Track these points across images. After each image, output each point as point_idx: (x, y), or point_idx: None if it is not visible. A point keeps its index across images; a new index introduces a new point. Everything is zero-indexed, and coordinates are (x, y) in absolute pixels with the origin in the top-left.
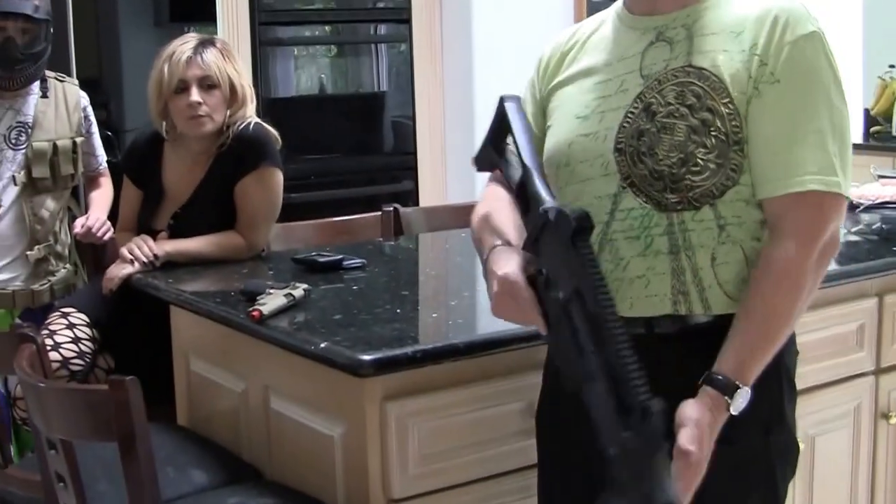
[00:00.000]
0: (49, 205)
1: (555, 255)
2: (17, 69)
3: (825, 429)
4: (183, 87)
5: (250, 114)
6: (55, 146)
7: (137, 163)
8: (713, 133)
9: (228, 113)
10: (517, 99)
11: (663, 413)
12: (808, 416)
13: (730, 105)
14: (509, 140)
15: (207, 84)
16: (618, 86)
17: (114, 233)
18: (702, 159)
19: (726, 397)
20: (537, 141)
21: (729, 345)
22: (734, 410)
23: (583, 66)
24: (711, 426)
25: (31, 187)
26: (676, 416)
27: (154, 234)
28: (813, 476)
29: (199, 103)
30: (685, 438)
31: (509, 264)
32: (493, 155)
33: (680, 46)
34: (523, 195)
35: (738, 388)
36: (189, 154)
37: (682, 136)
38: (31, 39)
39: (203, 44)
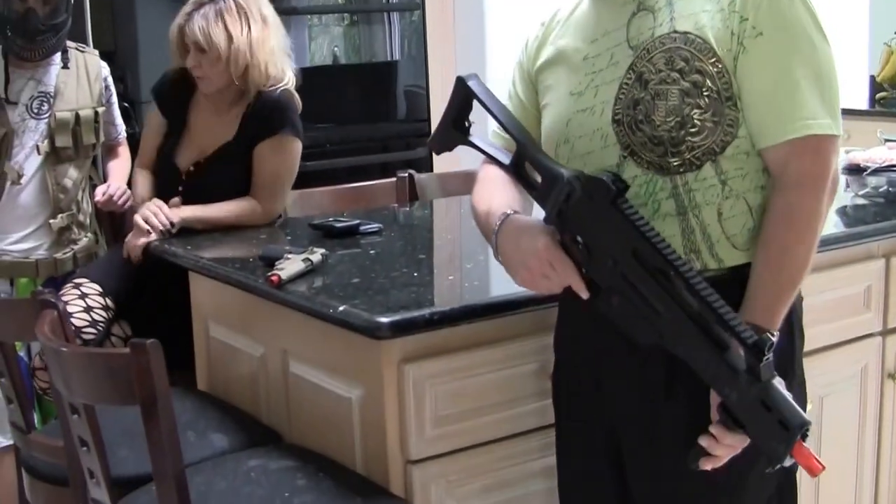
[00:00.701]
0: (71, 174)
1: (592, 222)
2: (38, 40)
3: (833, 389)
4: (186, 50)
5: (282, 77)
6: (77, 116)
7: (168, 91)
8: (705, 93)
9: (234, 74)
10: (477, 77)
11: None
12: (817, 378)
13: (717, 64)
14: (472, 119)
15: (198, 49)
16: (608, 59)
17: (133, 200)
18: (698, 119)
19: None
20: (532, 118)
21: (754, 294)
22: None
23: (569, 45)
24: None
25: (54, 156)
26: None
27: (175, 173)
28: (821, 436)
29: (195, 66)
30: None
31: (540, 237)
32: (456, 135)
33: (662, 13)
34: (521, 171)
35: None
36: (214, 101)
37: (676, 100)
38: (51, 10)
39: (200, 6)
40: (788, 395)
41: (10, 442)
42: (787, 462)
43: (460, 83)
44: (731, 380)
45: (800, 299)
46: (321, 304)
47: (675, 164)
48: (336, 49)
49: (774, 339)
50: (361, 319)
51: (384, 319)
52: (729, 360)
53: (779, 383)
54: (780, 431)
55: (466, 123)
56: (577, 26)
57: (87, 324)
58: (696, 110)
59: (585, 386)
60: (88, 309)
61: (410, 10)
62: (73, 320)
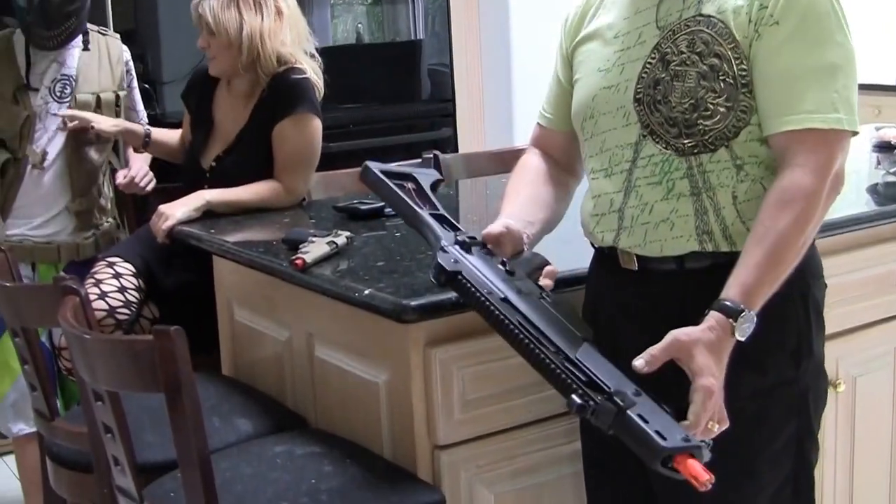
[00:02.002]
0: (92, 157)
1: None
2: (57, 28)
3: (866, 369)
4: (201, 29)
5: (293, 58)
6: (98, 98)
7: (195, 90)
8: (721, 77)
9: (241, 56)
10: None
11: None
12: (849, 357)
13: (736, 49)
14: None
15: (209, 31)
16: (636, 38)
17: (157, 183)
18: (711, 103)
19: (731, 321)
20: (565, 94)
21: (737, 270)
22: (740, 336)
23: (603, 22)
24: (715, 349)
25: (75, 140)
26: (676, 343)
27: (200, 171)
28: (855, 415)
29: (204, 47)
30: (700, 375)
31: None
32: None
33: None
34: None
35: (743, 311)
36: (233, 92)
37: (693, 83)
38: None
39: None
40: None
41: (32, 429)
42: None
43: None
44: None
45: (820, 282)
46: (346, 288)
47: (690, 145)
48: (360, 27)
49: (749, 322)
50: (387, 303)
51: (410, 303)
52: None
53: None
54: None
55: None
56: (614, 5)
57: (121, 304)
58: (710, 94)
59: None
60: (123, 289)
61: None
62: (107, 299)
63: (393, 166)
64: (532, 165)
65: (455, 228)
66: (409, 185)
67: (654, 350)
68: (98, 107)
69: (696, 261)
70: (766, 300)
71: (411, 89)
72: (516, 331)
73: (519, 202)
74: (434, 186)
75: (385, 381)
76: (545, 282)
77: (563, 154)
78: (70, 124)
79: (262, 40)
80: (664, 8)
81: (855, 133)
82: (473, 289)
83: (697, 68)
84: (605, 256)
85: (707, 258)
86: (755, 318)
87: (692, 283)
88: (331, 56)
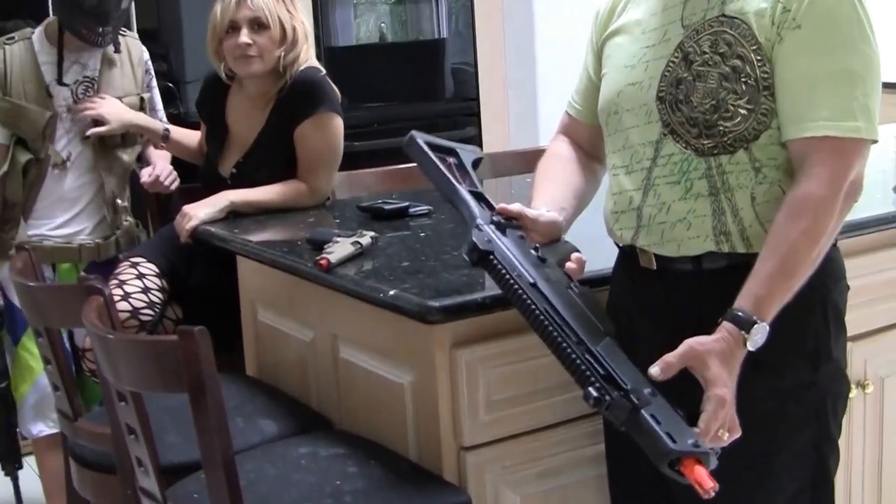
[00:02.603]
0: (118, 160)
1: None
2: (108, 26)
3: (894, 369)
4: (234, 28)
5: (306, 57)
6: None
7: (206, 100)
8: (743, 79)
9: (282, 54)
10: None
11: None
12: (877, 358)
13: (758, 51)
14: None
15: (258, 24)
16: (661, 35)
17: (180, 183)
18: (732, 105)
19: (743, 332)
20: (596, 88)
21: (750, 281)
22: (752, 346)
23: (631, 17)
24: (728, 359)
25: (101, 143)
26: (690, 352)
27: (220, 181)
28: (883, 416)
29: (249, 44)
30: (713, 385)
31: None
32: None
33: None
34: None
35: (755, 323)
36: (248, 98)
37: (715, 84)
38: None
39: None
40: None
41: (52, 431)
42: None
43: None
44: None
45: (840, 285)
46: (371, 289)
47: (709, 146)
48: (383, 26)
49: (761, 333)
50: (413, 304)
51: (436, 304)
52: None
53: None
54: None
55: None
56: (644, 1)
57: (145, 305)
58: (731, 95)
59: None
60: (146, 290)
61: None
62: (131, 300)
63: (437, 139)
64: (562, 152)
65: (491, 208)
66: (451, 160)
67: (669, 358)
68: None
69: (713, 261)
70: (783, 306)
71: (435, 88)
72: (542, 317)
73: (553, 188)
74: (475, 164)
75: (410, 382)
76: (570, 266)
77: (590, 144)
78: (88, 132)
79: (306, 36)
80: (689, 6)
81: (874, 142)
82: (504, 270)
83: (720, 69)
84: (626, 255)
85: (724, 259)
86: (767, 328)
87: (709, 284)
88: (354, 55)
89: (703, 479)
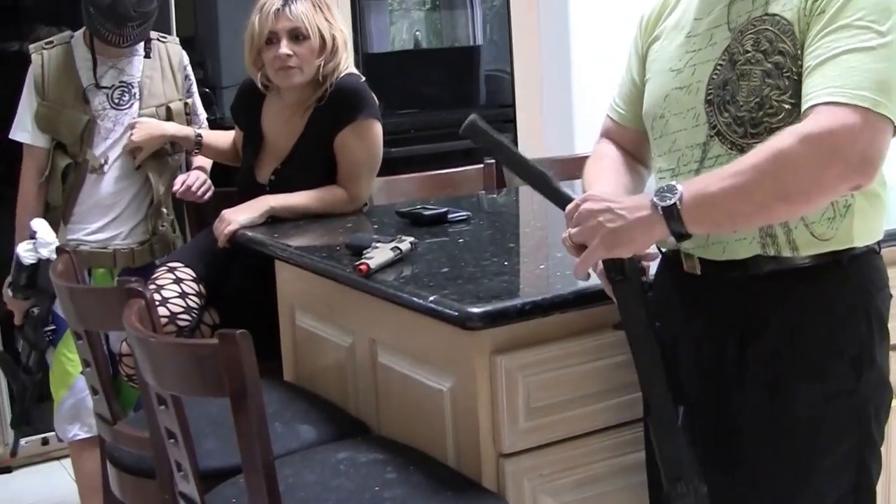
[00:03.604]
0: (168, 166)
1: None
2: (128, 26)
3: None
4: (273, 39)
5: (346, 64)
6: (168, 109)
7: (242, 107)
8: (786, 74)
9: (321, 63)
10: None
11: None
12: None
13: (796, 45)
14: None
15: (297, 35)
16: (707, 39)
17: (216, 187)
18: (776, 101)
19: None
20: (639, 92)
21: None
22: (658, 201)
23: (677, 21)
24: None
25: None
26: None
27: (258, 188)
28: None
29: (289, 55)
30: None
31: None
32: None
33: None
34: None
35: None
36: (286, 105)
37: (758, 81)
38: None
39: None
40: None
41: (87, 435)
42: None
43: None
44: None
45: (884, 293)
46: (411, 294)
47: (755, 145)
48: (417, 33)
49: (670, 197)
50: (453, 310)
51: (476, 310)
52: None
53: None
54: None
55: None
56: (689, 5)
57: (182, 310)
58: (775, 91)
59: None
60: (184, 295)
61: None
62: (168, 305)
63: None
64: (609, 153)
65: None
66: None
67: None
68: (169, 118)
69: (759, 267)
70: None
71: (469, 95)
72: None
73: (606, 187)
74: None
75: (449, 388)
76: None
77: (634, 147)
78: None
79: (345, 44)
80: (735, 10)
81: (890, 120)
82: (634, 298)
83: (762, 66)
84: (670, 261)
85: (769, 263)
86: (679, 193)
87: (755, 290)
88: (389, 62)
89: None
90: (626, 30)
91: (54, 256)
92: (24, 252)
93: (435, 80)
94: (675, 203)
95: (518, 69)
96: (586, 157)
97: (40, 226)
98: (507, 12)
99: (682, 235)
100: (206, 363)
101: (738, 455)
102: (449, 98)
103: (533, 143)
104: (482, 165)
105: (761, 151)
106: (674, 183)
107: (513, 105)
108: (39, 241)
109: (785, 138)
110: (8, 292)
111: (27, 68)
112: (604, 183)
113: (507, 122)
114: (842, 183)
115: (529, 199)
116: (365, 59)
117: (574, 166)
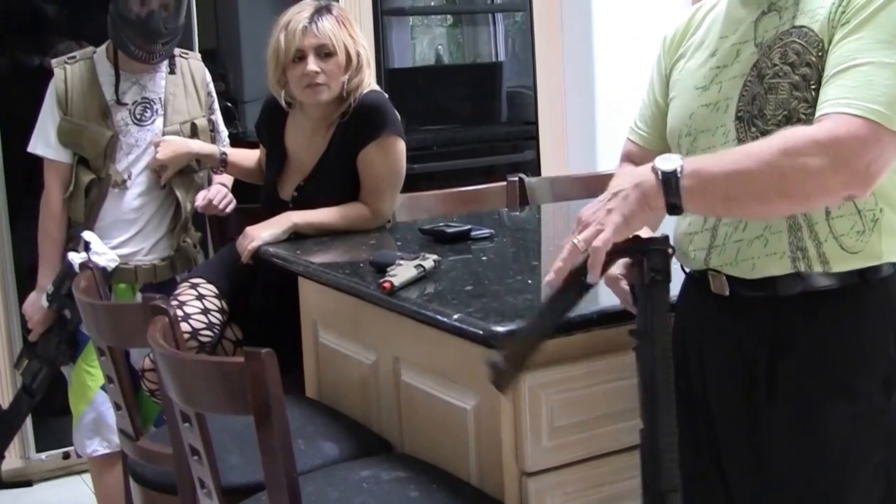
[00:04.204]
0: (196, 183)
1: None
2: (158, 43)
3: None
4: (300, 57)
5: (369, 81)
6: (194, 126)
7: (265, 123)
8: (813, 87)
9: (346, 79)
10: None
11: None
12: None
13: (822, 56)
14: None
15: (324, 52)
16: (734, 56)
17: (238, 204)
18: (804, 114)
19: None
20: (662, 113)
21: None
22: (660, 165)
23: (701, 40)
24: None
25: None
26: None
27: (281, 204)
28: None
29: (316, 72)
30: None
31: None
32: None
33: (787, 13)
34: None
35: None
36: (309, 122)
37: (786, 94)
38: (173, 14)
39: (319, 11)
40: None
41: (107, 450)
42: None
43: None
44: None
45: None
46: (435, 312)
47: None
48: (439, 48)
49: (675, 163)
50: (477, 328)
51: (500, 328)
52: None
53: None
54: None
55: None
56: (713, 23)
57: (204, 326)
58: (802, 104)
59: (695, 387)
60: (206, 311)
61: (517, 12)
62: (191, 321)
63: None
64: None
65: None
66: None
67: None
68: (194, 134)
69: (789, 287)
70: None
71: (491, 111)
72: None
73: None
74: None
75: (473, 406)
76: None
77: None
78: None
79: (368, 62)
80: (762, 26)
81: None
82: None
83: (790, 79)
84: (695, 282)
85: (800, 282)
86: (680, 165)
87: (784, 312)
88: (411, 77)
89: None
90: (650, 46)
91: (112, 266)
92: (78, 261)
93: (457, 96)
94: (675, 170)
95: (541, 85)
96: (609, 175)
97: (93, 237)
98: (530, 28)
99: (675, 208)
100: (231, 380)
101: (766, 473)
102: (471, 114)
103: (556, 160)
104: (505, 183)
105: (771, 144)
106: (677, 155)
107: (535, 122)
108: (94, 252)
109: (798, 138)
110: (44, 302)
111: (47, 82)
112: None
113: (530, 138)
114: (843, 191)
115: (552, 217)
116: (387, 74)
117: (597, 183)
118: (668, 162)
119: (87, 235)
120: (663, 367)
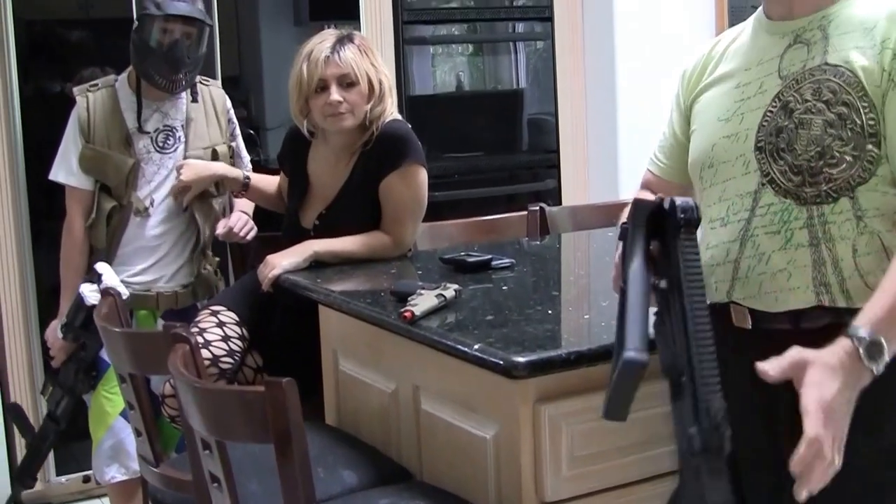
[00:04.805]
0: (216, 209)
1: (664, 243)
2: (181, 73)
3: None
4: (322, 87)
5: (391, 109)
6: (214, 152)
7: (288, 153)
8: (849, 126)
9: (369, 108)
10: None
11: (723, 412)
12: None
13: (864, 98)
14: None
15: (346, 82)
16: (757, 87)
17: (259, 231)
18: (838, 152)
19: (855, 343)
20: (681, 147)
21: (865, 309)
22: (868, 360)
23: (723, 72)
24: (835, 372)
25: (199, 195)
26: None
27: (303, 232)
28: None
29: (339, 101)
30: (810, 425)
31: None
32: None
33: (816, 47)
34: None
35: (870, 338)
36: (332, 151)
37: (819, 130)
38: (195, 43)
39: (341, 41)
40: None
41: (125, 477)
42: None
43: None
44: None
45: None
46: (455, 342)
47: (812, 194)
48: (461, 75)
49: (880, 352)
50: (498, 358)
51: (521, 359)
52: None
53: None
54: None
55: None
56: (735, 55)
57: (224, 353)
58: (837, 142)
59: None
60: (226, 338)
61: (538, 40)
62: (211, 348)
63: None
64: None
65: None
66: None
67: (781, 361)
68: (215, 160)
69: (812, 320)
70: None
71: (513, 139)
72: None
73: None
74: None
75: (492, 435)
76: None
77: None
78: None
79: (390, 90)
80: (787, 58)
81: None
82: None
83: (824, 116)
84: (717, 314)
85: (823, 316)
86: (884, 347)
87: (807, 344)
88: (432, 105)
89: None
90: (673, 74)
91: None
92: (88, 293)
93: (478, 124)
94: (880, 354)
95: (562, 114)
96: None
97: (105, 269)
98: (552, 56)
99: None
100: (252, 409)
101: None
102: (492, 142)
103: (577, 188)
104: (526, 211)
105: None
106: (856, 328)
107: (557, 150)
108: (104, 284)
109: None
110: (59, 332)
111: (69, 109)
112: None
113: (551, 167)
114: None
115: (573, 247)
116: (408, 102)
117: (619, 212)
118: (870, 352)
119: (99, 267)
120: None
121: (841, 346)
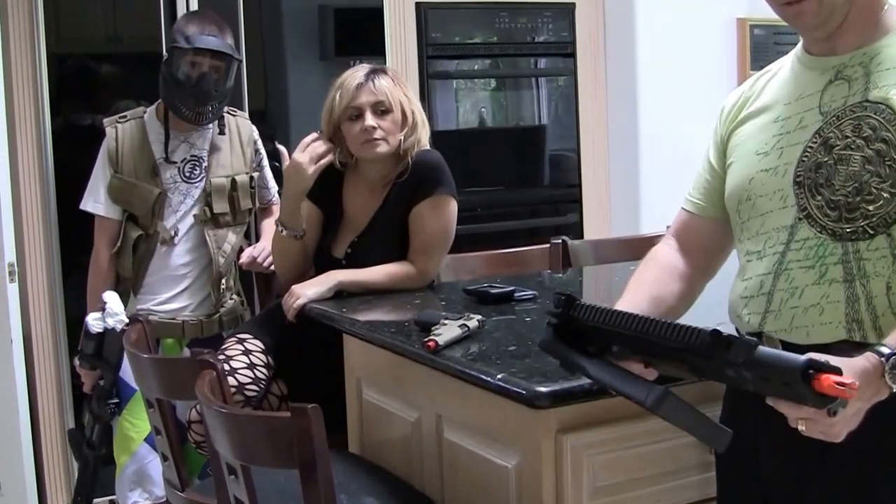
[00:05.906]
0: (231, 238)
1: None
2: (209, 105)
3: None
4: (357, 115)
5: (425, 140)
6: (234, 181)
7: (319, 187)
8: (888, 163)
9: (402, 137)
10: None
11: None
12: None
13: None
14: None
15: (381, 109)
16: (797, 123)
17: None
18: (875, 188)
19: (882, 360)
20: (718, 180)
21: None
22: (891, 379)
23: (761, 104)
24: (865, 379)
25: (213, 222)
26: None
27: (334, 262)
28: None
29: (374, 127)
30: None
31: None
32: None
33: (857, 84)
34: None
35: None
36: (366, 182)
37: (857, 167)
38: (223, 77)
39: (375, 71)
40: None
41: (148, 503)
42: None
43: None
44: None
45: None
46: (479, 372)
47: (848, 230)
48: (483, 111)
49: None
50: (520, 388)
51: (544, 389)
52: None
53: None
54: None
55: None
56: (775, 90)
57: (250, 380)
58: (875, 178)
59: (744, 455)
60: (252, 366)
61: (561, 76)
62: (237, 376)
63: None
64: (663, 259)
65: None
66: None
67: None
68: (234, 189)
69: (843, 353)
70: None
71: (535, 174)
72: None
73: (638, 298)
74: None
75: (515, 465)
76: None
77: (702, 246)
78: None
79: (424, 122)
80: (828, 94)
81: None
82: None
83: (863, 153)
84: None
85: (854, 350)
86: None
87: None
88: (454, 140)
89: (841, 379)
90: (695, 110)
91: (119, 327)
92: (93, 321)
93: (500, 159)
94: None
95: (584, 148)
96: (654, 237)
97: (110, 297)
98: (575, 91)
99: None
100: (278, 435)
101: None
102: (514, 177)
103: (599, 222)
104: (548, 245)
105: None
106: (882, 347)
107: (578, 184)
108: (108, 312)
109: None
110: (76, 361)
111: (99, 141)
112: (628, 299)
113: (573, 201)
114: None
115: (595, 280)
116: (432, 136)
117: (641, 246)
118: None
119: (105, 296)
120: None
121: (866, 358)
